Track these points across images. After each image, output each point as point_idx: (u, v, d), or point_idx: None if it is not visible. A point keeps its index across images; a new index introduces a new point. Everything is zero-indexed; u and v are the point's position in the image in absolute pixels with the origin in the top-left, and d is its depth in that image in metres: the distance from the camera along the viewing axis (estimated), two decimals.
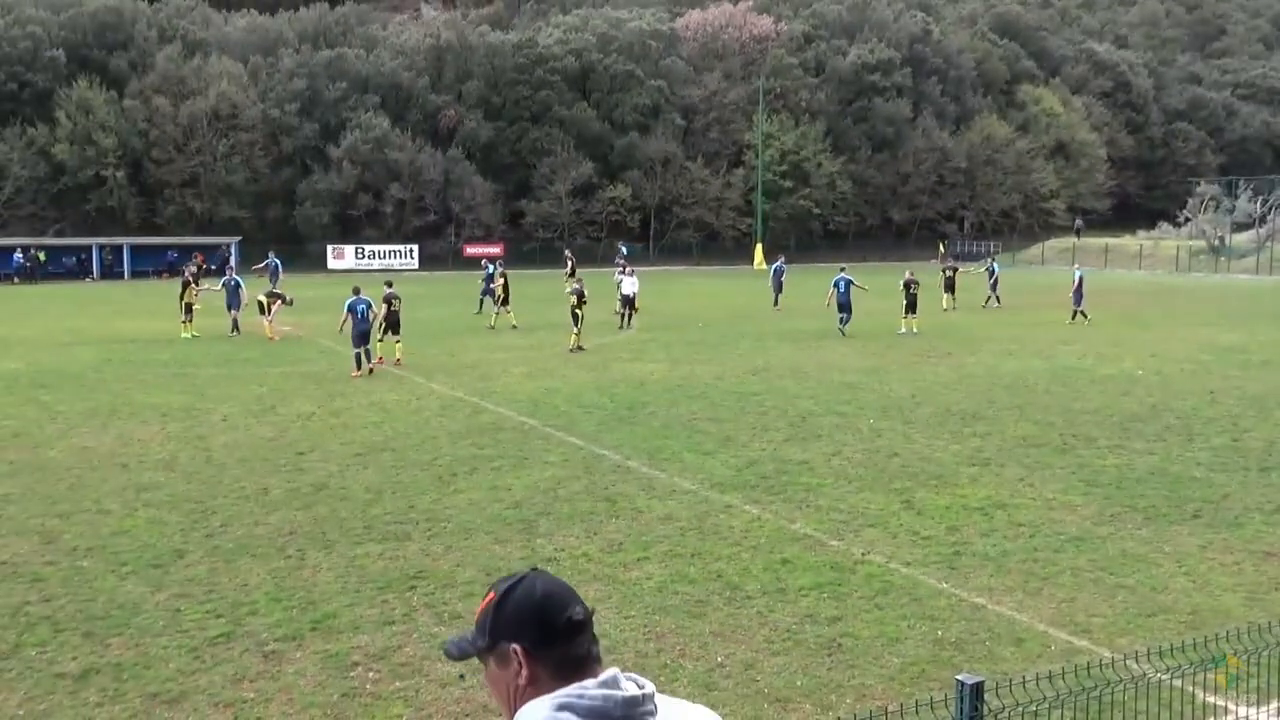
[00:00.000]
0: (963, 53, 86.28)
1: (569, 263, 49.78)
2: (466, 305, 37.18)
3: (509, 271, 34.83)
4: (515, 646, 2.17)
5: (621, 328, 30.43)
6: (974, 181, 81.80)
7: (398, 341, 23.88)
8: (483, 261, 39.96)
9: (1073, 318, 32.41)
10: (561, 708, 2.09)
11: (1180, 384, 20.38)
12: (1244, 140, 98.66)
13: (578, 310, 26.01)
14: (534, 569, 2.31)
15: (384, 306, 23.75)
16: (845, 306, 29.45)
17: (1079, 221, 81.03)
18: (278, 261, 43.18)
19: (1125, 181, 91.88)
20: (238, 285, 30.60)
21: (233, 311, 30.23)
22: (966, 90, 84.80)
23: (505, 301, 31.91)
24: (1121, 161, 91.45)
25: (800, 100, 77.24)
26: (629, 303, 30.77)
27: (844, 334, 28.83)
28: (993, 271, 39.88)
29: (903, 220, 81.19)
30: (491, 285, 34.15)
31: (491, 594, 2.25)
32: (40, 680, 7.49)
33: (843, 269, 31.47)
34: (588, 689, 2.13)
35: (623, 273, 39.82)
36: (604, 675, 2.16)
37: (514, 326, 31.06)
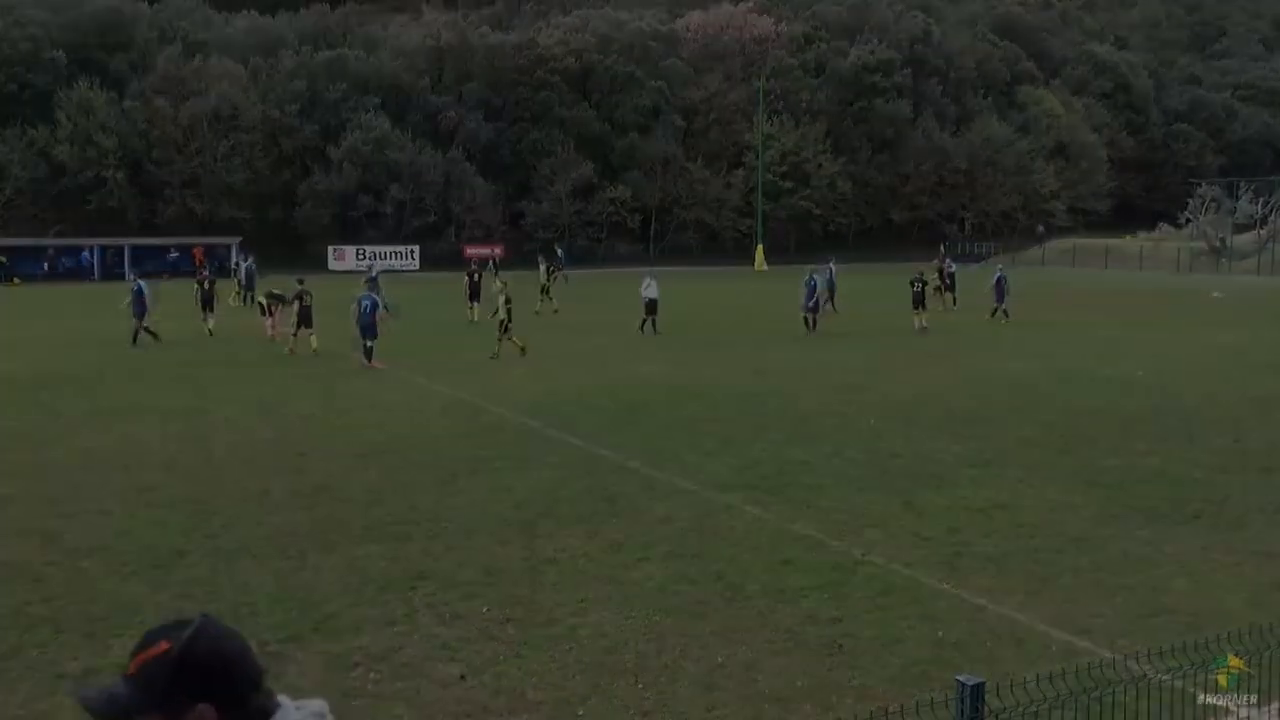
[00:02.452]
0: (963, 54, 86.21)
1: (493, 266, 50.28)
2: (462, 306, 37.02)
3: (487, 272, 35.95)
4: (205, 707, 1.91)
5: (643, 331, 30.25)
6: (974, 182, 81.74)
7: (311, 334, 25.62)
8: (368, 264, 40.30)
9: (992, 315, 32.80)
10: None
11: (1181, 385, 20.38)
12: (1244, 141, 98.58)
13: (504, 314, 25.14)
14: (203, 615, 2.05)
15: (296, 303, 25.76)
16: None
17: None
18: (253, 266, 43.51)
19: (1126, 183, 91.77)
20: (140, 291, 27.45)
21: (134, 320, 27.40)
22: (967, 91, 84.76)
23: (474, 297, 33.50)
24: (1122, 163, 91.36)
25: (800, 101, 77.20)
26: (652, 308, 30.69)
27: (808, 330, 29.95)
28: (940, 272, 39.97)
29: (903, 221, 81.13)
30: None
31: (165, 644, 1.95)
32: (41, 681, 7.49)
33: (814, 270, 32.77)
34: None
35: (554, 271, 41.12)
36: (286, 708, 1.98)
37: (473, 322, 32.53)
